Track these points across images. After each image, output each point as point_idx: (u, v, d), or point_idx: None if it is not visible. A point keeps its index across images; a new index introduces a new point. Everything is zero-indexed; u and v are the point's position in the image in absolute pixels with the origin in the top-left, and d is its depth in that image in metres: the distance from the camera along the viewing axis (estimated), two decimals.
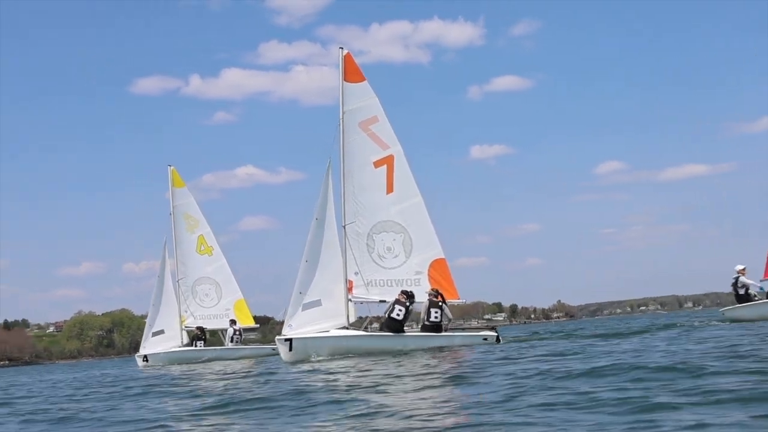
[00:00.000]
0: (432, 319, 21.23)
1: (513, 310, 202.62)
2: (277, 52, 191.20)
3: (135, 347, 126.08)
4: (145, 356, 33.91)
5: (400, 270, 22.56)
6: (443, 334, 21.33)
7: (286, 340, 21.30)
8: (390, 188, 22.73)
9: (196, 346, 33.53)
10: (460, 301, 23.17)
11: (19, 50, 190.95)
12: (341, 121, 22.90)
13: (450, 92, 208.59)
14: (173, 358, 32.64)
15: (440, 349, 19.80)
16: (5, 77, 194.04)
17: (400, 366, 14.39)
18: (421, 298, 21.67)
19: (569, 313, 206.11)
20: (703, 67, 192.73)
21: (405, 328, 21.36)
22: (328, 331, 21.69)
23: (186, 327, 34.84)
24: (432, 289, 21.83)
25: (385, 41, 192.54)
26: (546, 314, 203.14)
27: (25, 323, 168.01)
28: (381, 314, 22.17)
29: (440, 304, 21.42)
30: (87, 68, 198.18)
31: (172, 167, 36.80)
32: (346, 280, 22.35)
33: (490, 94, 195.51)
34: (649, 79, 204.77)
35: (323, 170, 23.06)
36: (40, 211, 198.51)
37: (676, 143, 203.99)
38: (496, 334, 21.76)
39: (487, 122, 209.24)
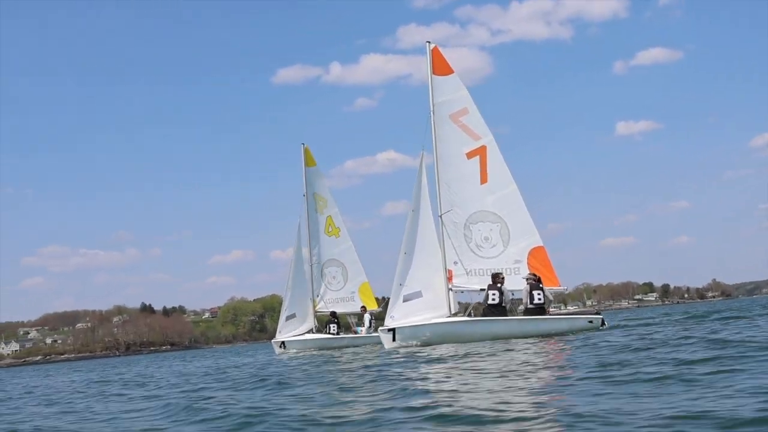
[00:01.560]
0: (536, 301, 21.21)
1: (665, 290, 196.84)
2: (416, 35, 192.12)
3: None
4: (283, 343, 33.45)
5: (499, 259, 22.52)
6: (548, 317, 21.30)
7: (389, 330, 21.62)
8: (484, 178, 22.73)
9: (329, 330, 33.33)
10: (562, 288, 22.84)
11: (169, 43, 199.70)
12: (432, 113, 23.06)
13: (594, 68, 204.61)
14: (310, 345, 32.40)
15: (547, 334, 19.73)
16: (164, 71, 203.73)
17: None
18: (512, 284, 21.80)
19: (725, 292, 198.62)
20: None
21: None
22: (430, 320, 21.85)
23: (318, 311, 34.50)
24: (530, 273, 21.78)
25: (526, 19, 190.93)
26: (700, 294, 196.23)
27: (182, 310, 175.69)
28: (481, 302, 22.20)
29: (541, 286, 21.40)
30: (232, 60, 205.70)
31: (305, 145, 35.94)
32: (445, 269, 22.43)
33: (635, 68, 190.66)
34: None
35: None
36: (188, 201, 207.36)
37: None
38: (601, 317, 21.60)
39: (633, 97, 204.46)
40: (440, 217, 22.69)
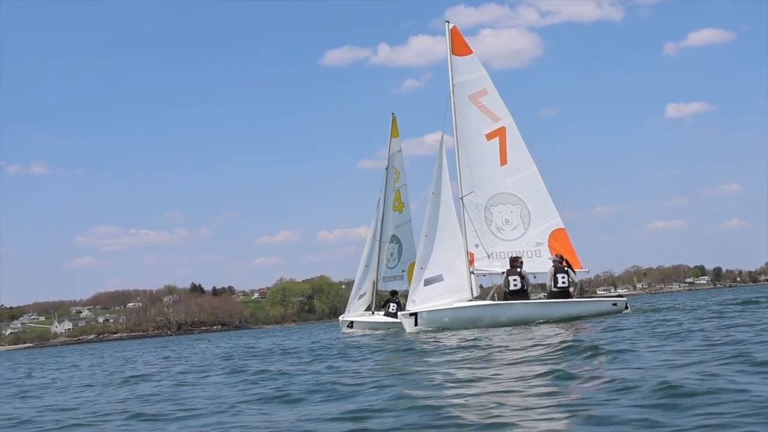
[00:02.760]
0: (559, 285, 20.98)
1: (717, 274, 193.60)
2: (464, 17, 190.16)
3: (334, 313, 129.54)
4: (351, 323, 31.92)
5: (520, 242, 22.29)
6: (571, 300, 21.07)
7: (411, 314, 21.30)
8: (504, 160, 22.50)
9: (389, 309, 31.23)
10: (583, 270, 22.52)
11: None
12: (451, 94, 22.81)
13: (644, 49, 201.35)
14: (378, 326, 30.45)
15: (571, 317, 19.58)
16: (213, 51, 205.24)
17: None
18: (530, 265, 21.62)
19: None
20: None
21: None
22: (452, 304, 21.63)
23: (379, 290, 33.12)
24: (556, 255, 21.54)
25: None
26: (753, 277, 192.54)
27: (231, 290, 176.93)
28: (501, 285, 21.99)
29: (566, 268, 21.15)
30: (281, 42, 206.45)
31: (394, 115, 33.86)
32: (467, 252, 22.16)
33: (687, 50, 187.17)
34: None
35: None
36: (236, 182, 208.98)
37: None
38: (624, 300, 21.49)
39: (684, 79, 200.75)
40: (461, 199, 22.49)
